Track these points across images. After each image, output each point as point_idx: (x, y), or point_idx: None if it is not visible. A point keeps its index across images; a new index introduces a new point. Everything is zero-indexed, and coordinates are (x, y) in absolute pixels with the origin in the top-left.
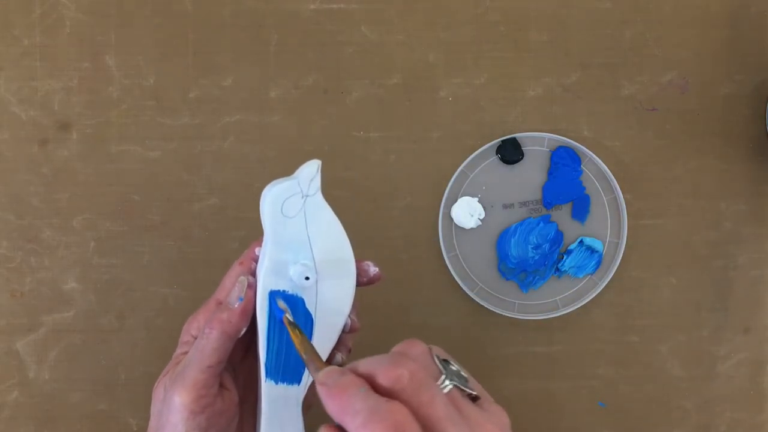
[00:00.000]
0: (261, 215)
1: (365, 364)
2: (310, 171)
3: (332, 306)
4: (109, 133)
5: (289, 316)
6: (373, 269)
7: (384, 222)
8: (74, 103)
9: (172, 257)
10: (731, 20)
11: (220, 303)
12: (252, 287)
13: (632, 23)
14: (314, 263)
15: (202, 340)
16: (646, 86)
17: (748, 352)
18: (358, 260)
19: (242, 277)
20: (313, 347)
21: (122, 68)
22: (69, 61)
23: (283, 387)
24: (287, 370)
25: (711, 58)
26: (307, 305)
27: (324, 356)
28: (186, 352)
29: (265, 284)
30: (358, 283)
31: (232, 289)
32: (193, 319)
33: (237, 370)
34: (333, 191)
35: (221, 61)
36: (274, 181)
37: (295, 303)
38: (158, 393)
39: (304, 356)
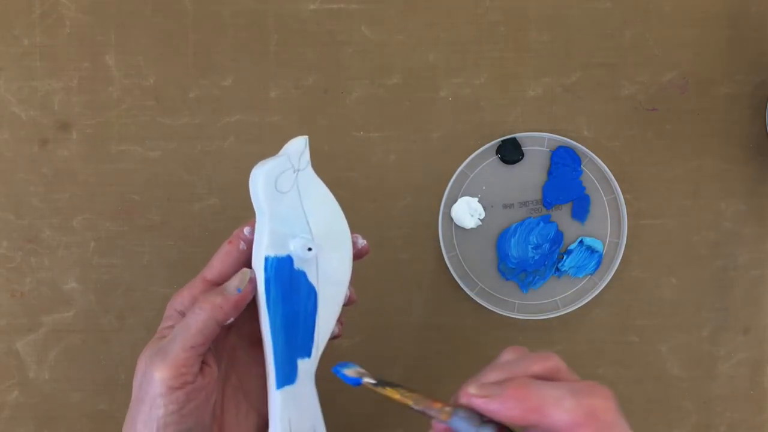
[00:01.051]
0: (253, 195)
1: (502, 371)
2: (299, 145)
3: (333, 277)
4: (109, 133)
5: (370, 380)
6: (361, 241)
7: (384, 222)
8: (74, 103)
9: (172, 257)
10: (731, 20)
11: (206, 281)
12: (253, 282)
13: (632, 23)
14: (312, 236)
15: (190, 319)
16: (646, 86)
17: (748, 352)
18: None
19: (246, 270)
20: (419, 394)
21: (122, 68)
22: (69, 61)
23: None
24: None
25: (711, 58)
26: (310, 279)
27: (330, 328)
28: (170, 327)
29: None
30: None
31: (220, 268)
32: (178, 295)
33: (219, 347)
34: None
35: (221, 61)
36: (262, 162)
37: (298, 277)
38: (141, 366)
39: (418, 407)
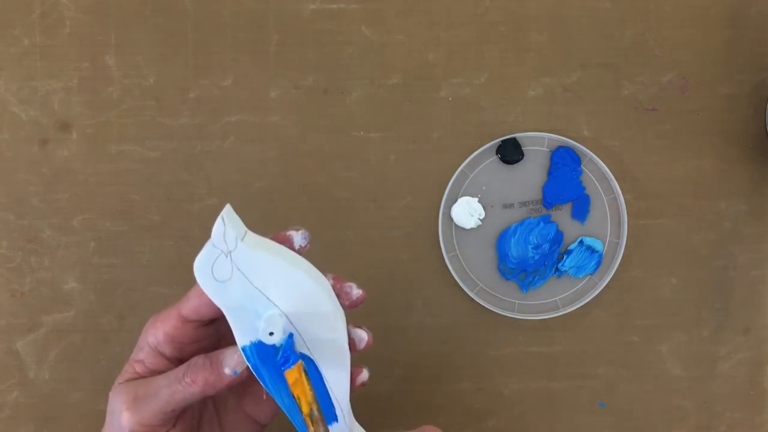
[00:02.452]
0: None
1: None
2: (219, 228)
3: (322, 335)
4: (109, 133)
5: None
6: (356, 291)
7: (384, 222)
8: (74, 103)
9: (172, 257)
10: (731, 20)
11: (181, 316)
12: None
13: (632, 23)
14: (279, 310)
15: (179, 386)
16: (646, 86)
17: (748, 352)
18: (340, 281)
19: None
20: (319, 411)
21: (122, 68)
22: (69, 61)
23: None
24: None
25: (711, 58)
26: (299, 348)
27: (345, 383)
28: (141, 361)
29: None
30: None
31: (197, 304)
32: (152, 326)
33: None
34: (333, 191)
35: (221, 61)
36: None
37: (275, 351)
38: (113, 402)
39: (309, 420)
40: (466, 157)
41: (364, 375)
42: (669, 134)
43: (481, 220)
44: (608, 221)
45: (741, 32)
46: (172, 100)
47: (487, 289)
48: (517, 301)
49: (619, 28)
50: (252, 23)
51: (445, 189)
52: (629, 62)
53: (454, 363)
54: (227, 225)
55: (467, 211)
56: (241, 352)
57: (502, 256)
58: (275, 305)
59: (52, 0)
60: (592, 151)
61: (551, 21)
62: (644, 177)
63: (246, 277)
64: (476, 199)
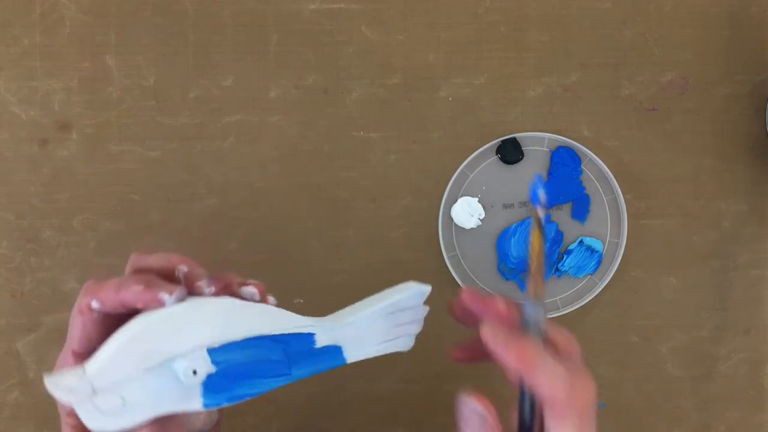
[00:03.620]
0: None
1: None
2: (62, 394)
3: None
4: (109, 133)
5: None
6: (207, 290)
7: (384, 222)
8: (74, 103)
9: None
10: (731, 20)
11: (75, 353)
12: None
13: (632, 23)
14: (185, 350)
15: None
16: (646, 86)
17: (748, 352)
18: (191, 281)
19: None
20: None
21: (122, 68)
22: (69, 61)
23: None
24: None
25: (711, 58)
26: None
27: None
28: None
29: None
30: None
31: (82, 337)
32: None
33: None
34: (333, 191)
35: (221, 61)
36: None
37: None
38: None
39: (534, 275)
40: (466, 157)
41: (272, 300)
42: (669, 134)
43: (481, 220)
44: (608, 221)
45: (741, 32)
46: (172, 100)
47: (487, 289)
48: None
49: (619, 28)
50: (252, 23)
51: (445, 189)
52: (629, 62)
53: (454, 363)
54: (63, 383)
55: (467, 211)
56: (204, 408)
57: (502, 256)
58: (183, 354)
59: (52, 0)
60: (592, 151)
61: (551, 21)
62: (644, 177)
63: (137, 378)
64: (476, 199)
